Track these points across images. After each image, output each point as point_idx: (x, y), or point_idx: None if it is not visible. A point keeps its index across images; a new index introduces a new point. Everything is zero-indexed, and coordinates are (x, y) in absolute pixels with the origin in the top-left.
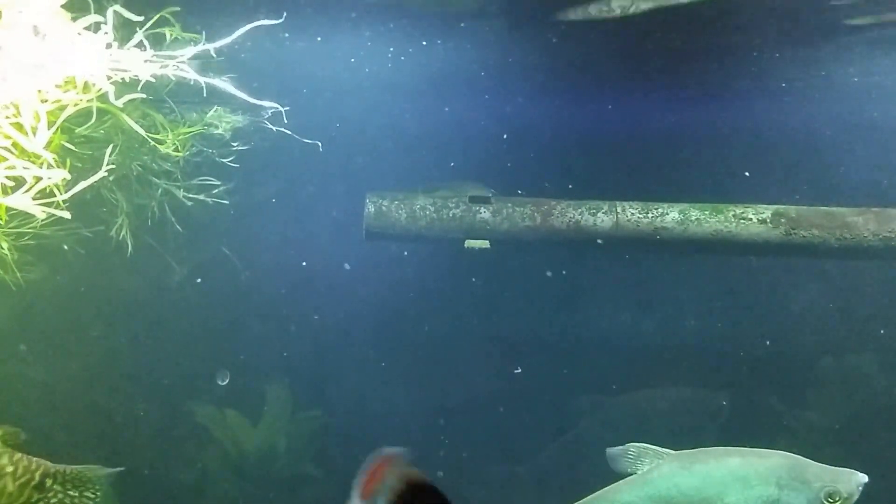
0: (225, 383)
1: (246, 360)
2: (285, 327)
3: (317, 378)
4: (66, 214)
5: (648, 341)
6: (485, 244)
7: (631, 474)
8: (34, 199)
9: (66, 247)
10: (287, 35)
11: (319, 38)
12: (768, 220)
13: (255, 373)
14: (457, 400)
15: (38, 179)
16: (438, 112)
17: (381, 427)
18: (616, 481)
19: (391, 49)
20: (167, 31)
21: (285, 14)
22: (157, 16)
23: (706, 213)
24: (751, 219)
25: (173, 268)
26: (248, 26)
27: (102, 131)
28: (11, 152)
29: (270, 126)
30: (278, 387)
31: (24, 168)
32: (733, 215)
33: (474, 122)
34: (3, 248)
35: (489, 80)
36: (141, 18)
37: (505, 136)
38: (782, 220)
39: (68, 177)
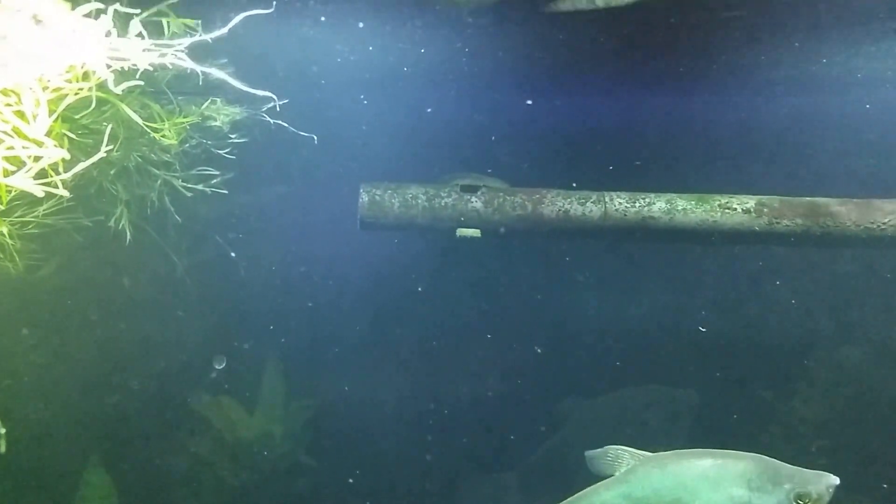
0: (222, 367)
1: (241, 347)
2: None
3: (310, 368)
4: (65, 193)
5: (642, 333)
6: (476, 233)
7: (610, 476)
8: (34, 179)
9: (75, 235)
10: (296, 23)
11: (331, 26)
12: (752, 210)
13: (251, 361)
14: (446, 387)
15: (38, 159)
16: (435, 106)
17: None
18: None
19: (393, 43)
20: (164, 21)
21: (287, 5)
22: (155, 8)
23: (692, 203)
24: (735, 208)
25: (171, 257)
26: (244, 14)
27: (103, 123)
28: (11, 137)
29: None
30: (273, 375)
31: (24, 148)
32: (718, 205)
33: (478, 117)
34: (3, 234)
35: (488, 74)
36: (138, 11)
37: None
38: (765, 210)
39: (67, 156)
